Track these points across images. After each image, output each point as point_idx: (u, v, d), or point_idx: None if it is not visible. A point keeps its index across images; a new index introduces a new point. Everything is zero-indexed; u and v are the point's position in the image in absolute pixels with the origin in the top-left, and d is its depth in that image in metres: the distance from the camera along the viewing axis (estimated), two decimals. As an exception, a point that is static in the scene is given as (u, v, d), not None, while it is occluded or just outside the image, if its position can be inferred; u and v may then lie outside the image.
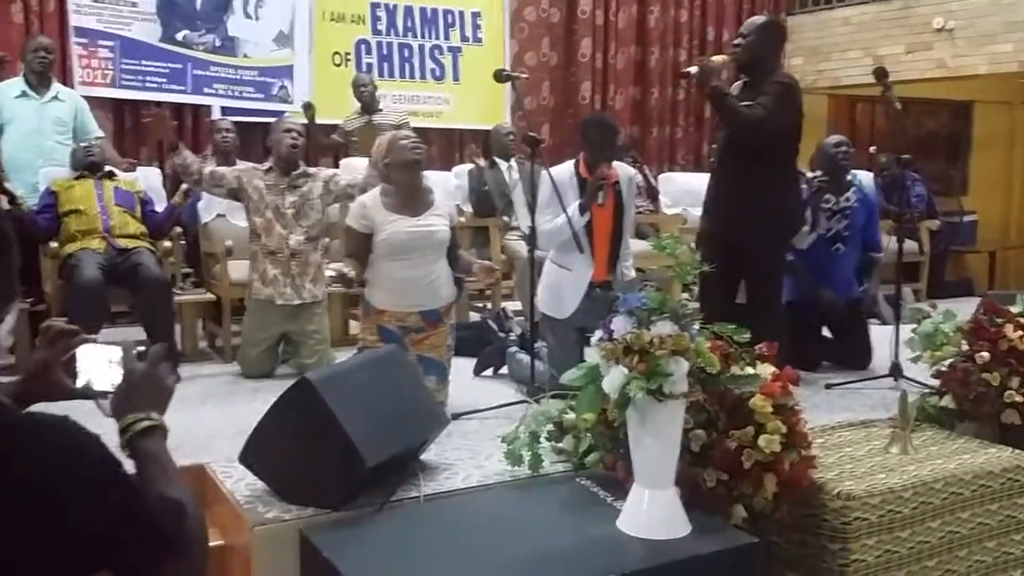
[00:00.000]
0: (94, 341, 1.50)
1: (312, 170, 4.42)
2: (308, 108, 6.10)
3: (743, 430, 2.67)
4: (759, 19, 4.23)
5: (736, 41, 4.03)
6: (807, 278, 4.54)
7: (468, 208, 5.86)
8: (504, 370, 4.38)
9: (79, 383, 1.48)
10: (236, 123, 6.13)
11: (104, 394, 1.45)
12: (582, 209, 3.81)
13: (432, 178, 5.79)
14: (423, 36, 7.41)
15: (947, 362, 3.53)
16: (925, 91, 8.33)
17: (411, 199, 3.65)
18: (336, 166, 6.23)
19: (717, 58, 4.00)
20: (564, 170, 3.95)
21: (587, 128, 4.04)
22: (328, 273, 4.36)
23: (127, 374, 1.43)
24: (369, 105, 6.22)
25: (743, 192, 3.91)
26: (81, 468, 1.13)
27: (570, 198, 3.82)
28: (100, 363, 1.47)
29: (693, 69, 3.91)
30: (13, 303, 1.28)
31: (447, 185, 6.03)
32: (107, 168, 4.75)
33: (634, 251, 4.31)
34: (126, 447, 1.34)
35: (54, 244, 4.36)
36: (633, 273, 4.08)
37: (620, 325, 2.47)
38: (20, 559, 1.07)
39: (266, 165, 4.33)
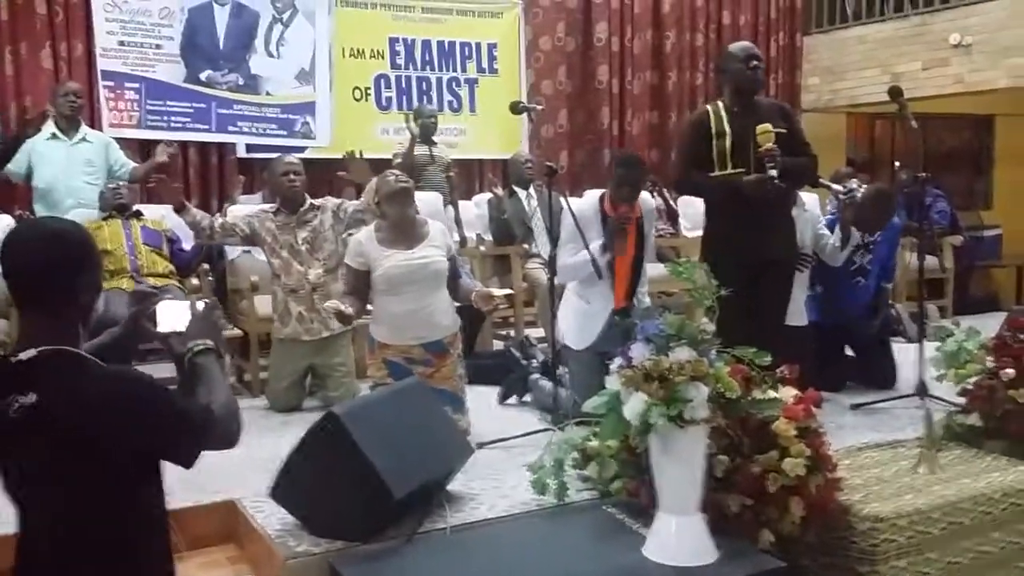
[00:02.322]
0: (170, 298, 2.11)
1: (319, 202, 4.45)
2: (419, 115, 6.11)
3: (767, 454, 2.67)
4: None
5: (755, 63, 3.86)
6: (827, 301, 4.53)
7: (488, 237, 5.91)
8: (528, 398, 4.39)
9: (160, 328, 2.02)
10: (258, 159, 6.19)
11: (178, 334, 1.99)
12: (604, 248, 3.83)
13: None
14: (440, 69, 7.49)
15: (972, 380, 3.51)
16: (946, 107, 8.31)
17: (404, 232, 3.69)
18: (358, 198, 6.31)
19: (768, 135, 3.75)
20: (588, 204, 3.99)
21: (616, 166, 4.06)
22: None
23: (191, 317, 2.00)
24: (429, 136, 6.21)
25: (777, 215, 3.92)
26: (143, 394, 1.73)
27: (592, 232, 3.84)
28: (174, 313, 2.04)
29: (775, 172, 3.69)
30: (100, 292, 1.89)
31: (467, 214, 6.09)
32: (135, 208, 4.84)
33: (654, 276, 4.34)
34: (188, 364, 1.91)
35: (84, 284, 4.44)
36: (648, 300, 4.09)
37: (639, 352, 2.49)
38: (111, 455, 1.70)
39: (273, 206, 4.39)
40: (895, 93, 4.13)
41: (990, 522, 2.86)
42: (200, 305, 2.05)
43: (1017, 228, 9.29)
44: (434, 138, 6.21)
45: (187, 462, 1.80)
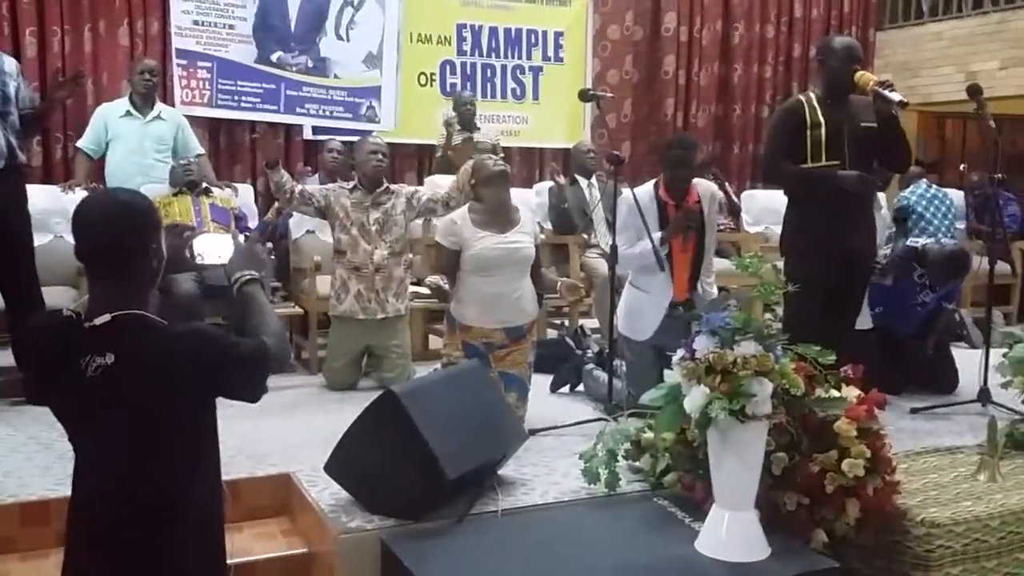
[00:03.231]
0: (207, 232, 2.15)
1: (394, 187, 4.53)
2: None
3: (826, 454, 2.65)
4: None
5: (855, 67, 3.78)
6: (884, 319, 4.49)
7: (548, 225, 5.91)
8: (580, 387, 4.40)
9: (199, 260, 2.14)
10: (323, 141, 6.25)
11: (216, 266, 2.12)
12: (662, 241, 3.81)
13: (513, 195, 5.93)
14: (506, 56, 7.50)
15: (1039, 388, 3.43)
16: (1021, 108, 8.06)
17: (499, 216, 3.72)
18: (420, 183, 6.37)
19: (866, 75, 3.76)
20: (644, 192, 3.97)
21: (666, 149, 4.05)
22: (414, 289, 4.45)
23: (235, 249, 2.12)
24: (469, 123, 6.25)
25: (864, 214, 3.88)
26: (211, 348, 1.83)
27: (649, 221, 3.82)
28: (216, 246, 2.14)
29: (897, 96, 3.64)
30: (164, 259, 1.96)
31: (528, 203, 6.10)
32: (204, 185, 4.94)
33: (715, 269, 4.30)
34: (236, 294, 2.05)
35: (153, 258, 4.56)
36: (715, 291, 4.04)
37: (703, 344, 2.48)
38: (182, 411, 1.83)
39: (351, 184, 4.46)
40: (974, 91, 4.02)
41: (1052, 534, 2.80)
42: (241, 238, 2.11)
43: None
44: (476, 123, 6.24)
45: (255, 398, 1.93)
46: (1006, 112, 7.69)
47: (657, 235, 3.81)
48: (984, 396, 3.98)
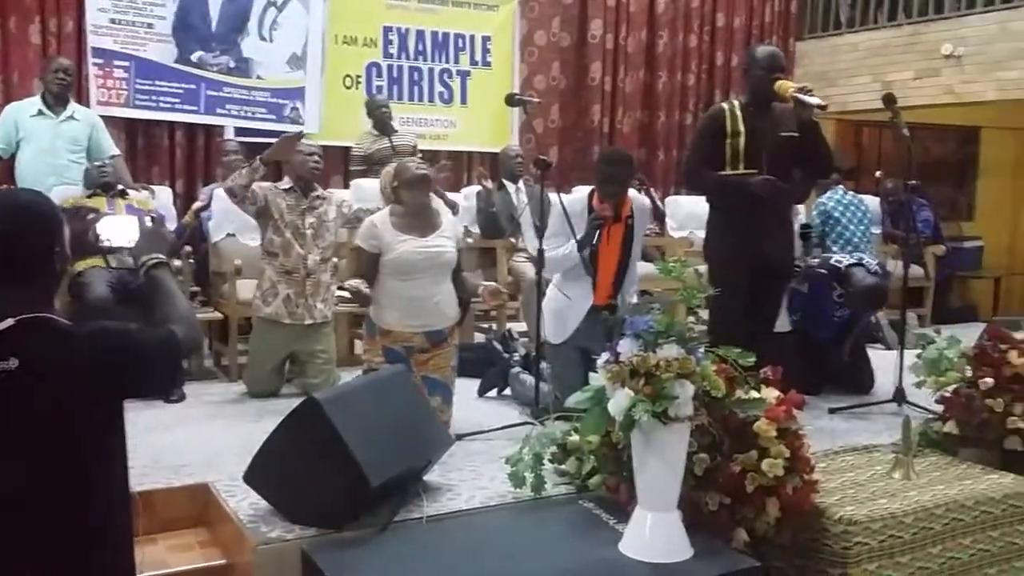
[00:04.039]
0: (111, 215, 2.12)
1: (326, 193, 4.47)
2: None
3: (747, 454, 2.69)
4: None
5: (777, 75, 3.84)
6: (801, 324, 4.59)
7: (475, 230, 5.90)
8: (508, 391, 4.39)
9: (109, 244, 2.12)
10: (248, 143, 6.16)
11: (122, 248, 2.10)
12: (580, 247, 3.81)
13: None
14: (433, 60, 7.46)
15: (951, 388, 3.54)
16: (933, 117, 8.35)
17: (420, 220, 3.69)
18: (346, 186, 6.29)
19: (786, 83, 3.83)
20: (577, 200, 3.98)
21: (600, 163, 4.08)
22: (338, 293, 4.39)
23: (142, 232, 2.10)
24: (386, 127, 6.22)
25: (780, 220, 3.97)
26: (121, 345, 1.79)
27: (580, 227, 3.84)
28: (120, 228, 2.11)
29: (817, 100, 3.70)
30: (68, 260, 1.91)
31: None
32: (120, 187, 4.79)
33: (639, 274, 4.33)
34: (144, 276, 2.03)
35: (65, 261, 4.40)
36: (635, 299, 4.08)
37: (626, 348, 2.50)
38: (101, 395, 1.78)
39: (285, 184, 4.36)
40: (889, 100, 4.15)
41: (961, 529, 2.89)
42: (148, 220, 2.14)
43: (997, 240, 9.38)
44: (393, 125, 6.22)
45: (168, 391, 1.95)
46: (919, 121, 7.96)
47: (572, 242, 3.82)
48: (899, 396, 4.10)
